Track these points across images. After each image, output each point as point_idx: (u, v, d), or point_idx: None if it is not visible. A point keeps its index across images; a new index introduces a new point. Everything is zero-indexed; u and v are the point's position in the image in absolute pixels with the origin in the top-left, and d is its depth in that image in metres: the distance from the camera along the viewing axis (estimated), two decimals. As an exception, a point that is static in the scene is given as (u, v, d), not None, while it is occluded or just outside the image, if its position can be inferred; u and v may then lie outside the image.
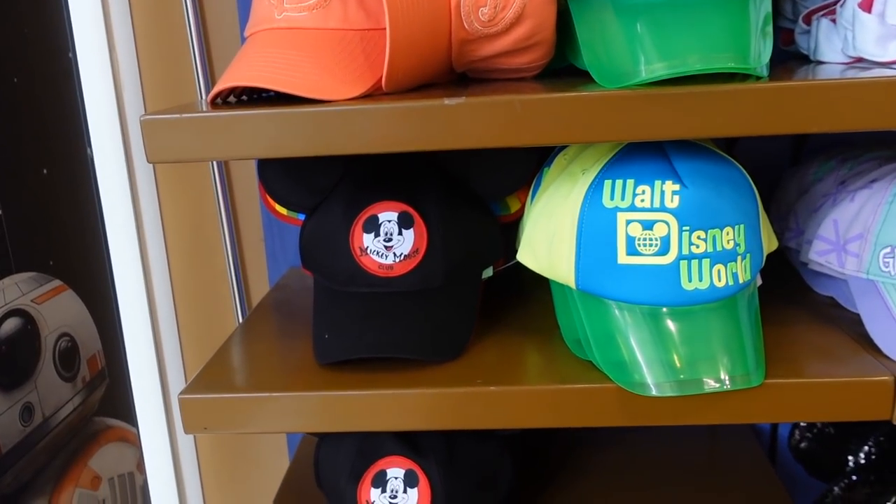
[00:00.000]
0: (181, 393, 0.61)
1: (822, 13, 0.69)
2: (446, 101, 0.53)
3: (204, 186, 0.98)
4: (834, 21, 0.67)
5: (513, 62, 0.63)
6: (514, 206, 0.75)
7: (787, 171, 0.85)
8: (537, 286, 0.80)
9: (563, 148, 0.69)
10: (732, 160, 0.60)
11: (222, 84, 0.57)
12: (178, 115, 0.55)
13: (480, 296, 0.71)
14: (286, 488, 0.87)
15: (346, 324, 0.64)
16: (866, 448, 0.80)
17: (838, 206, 0.69)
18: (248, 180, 0.98)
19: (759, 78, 0.54)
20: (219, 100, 0.59)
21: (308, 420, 0.61)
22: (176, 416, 1.05)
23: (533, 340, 0.67)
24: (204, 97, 0.90)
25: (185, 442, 1.06)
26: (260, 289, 1.02)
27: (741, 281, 0.59)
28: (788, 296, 0.74)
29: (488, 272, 0.73)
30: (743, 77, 0.54)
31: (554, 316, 0.70)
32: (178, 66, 0.94)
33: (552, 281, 0.68)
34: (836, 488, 0.80)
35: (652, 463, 0.89)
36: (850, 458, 0.81)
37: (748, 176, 0.60)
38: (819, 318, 0.69)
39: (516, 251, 0.75)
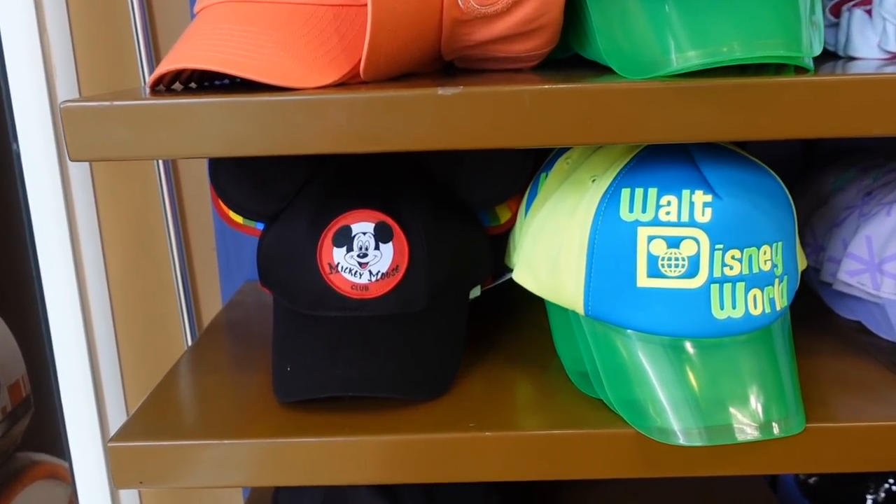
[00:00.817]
0: (111, 440, 0.51)
1: (853, 4, 0.62)
2: (440, 91, 0.44)
3: (148, 188, 0.87)
4: (869, 13, 0.59)
5: (511, 49, 0.54)
6: (504, 216, 0.66)
7: (799, 180, 0.77)
8: (529, 307, 0.71)
9: (563, 150, 0.60)
10: (766, 167, 0.52)
11: (165, 66, 0.46)
12: (107, 103, 0.44)
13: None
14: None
15: (311, 355, 0.54)
16: (886, 485, 0.73)
17: (871, 222, 0.61)
18: (198, 181, 0.87)
19: (806, 71, 0.46)
20: (161, 86, 0.49)
21: (265, 472, 0.51)
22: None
23: (529, 373, 0.58)
24: (147, 71, 0.79)
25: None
26: (211, 305, 0.91)
27: (778, 308, 0.51)
28: (807, 320, 0.66)
29: (476, 292, 0.64)
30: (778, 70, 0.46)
31: (551, 343, 0.61)
32: (120, 48, 0.83)
33: (550, 305, 0.59)
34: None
35: (646, 492, 0.80)
36: (869, 496, 0.74)
37: (784, 186, 0.52)
38: (848, 346, 0.62)
39: (506, 266, 0.66)
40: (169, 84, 0.49)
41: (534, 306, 0.72)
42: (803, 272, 0.70)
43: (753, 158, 0.52)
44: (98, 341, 0.90)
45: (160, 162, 0.83)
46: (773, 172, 0.52)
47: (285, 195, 0.61)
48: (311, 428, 0.51)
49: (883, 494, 0.73)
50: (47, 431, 0.85)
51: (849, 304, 0.66)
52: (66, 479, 0.88)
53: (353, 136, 0.44)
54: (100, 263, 0.89)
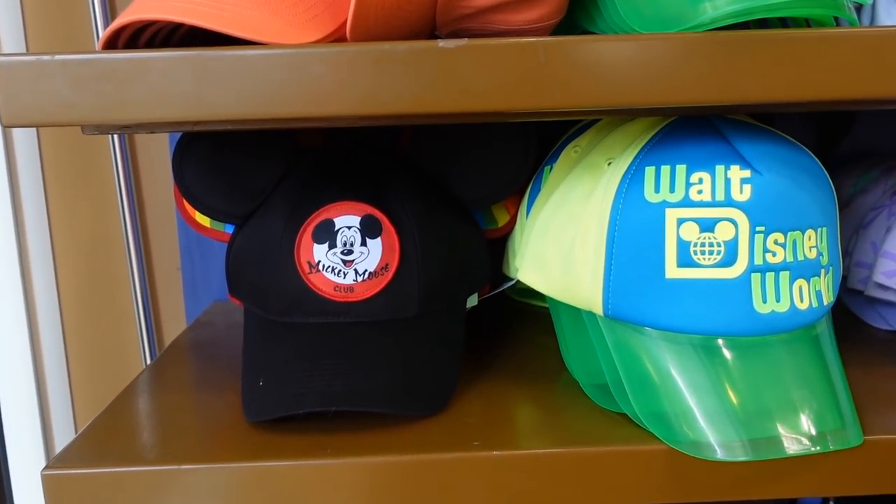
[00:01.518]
0: (46, 468, 0.42)
1: (877, -16, 0.57)
2: (441, 44, 0.38)
3: (106, 199, 0.80)
4: (896, -9, 0.55)
5: (512, 20, 0.48)
6: (501, 219, 0.59)
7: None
8: (528, 322, 0.65)
9: (570, 139, 0.54)
10: (803, 146, 0.46)
11: (120, 20, 0.40)
12: (47, 57, 0.37)
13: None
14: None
15: (287, 366, 0.47)
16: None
17: (907, 217, 0.56)
18: (162, 194, 0.79)
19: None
20: (118, 45, 0.42)
21: (230, 503, 0.43)
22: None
23: (537, 389, 0.51)
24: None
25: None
26: (174, 330, 0.83)
27: (825, 302, 0.44)
28: (836, 333, 0.60)
29: (473, 300, 0.57)
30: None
31: (558, 358, 0.54)
32: (72, 11, 0.76)
33: (560, 309, 0.52)
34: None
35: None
36: None
37: (824, 168, 0.46)
38: (889, 357, 0.55)
39: (504, 275, 0.59)
40: (128, 42, 0.42)
41: (534, 321, 0.65)
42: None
43: (789, 138, 0.46)
44: (48, 375, 0.81)
45: (121, 172, 0.76)
46: (810, 152, 0.46)
47: (259, 193, 0.54)
48: (288, 450, 0.43)
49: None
50: (-14, 474, 0.76)
51: (883, 312, 0.60)
52: (6, 529, 0.78)
53: (339, 97, 0.38)
54: (51, 285, 0.81)
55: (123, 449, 0.44)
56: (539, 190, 0.54)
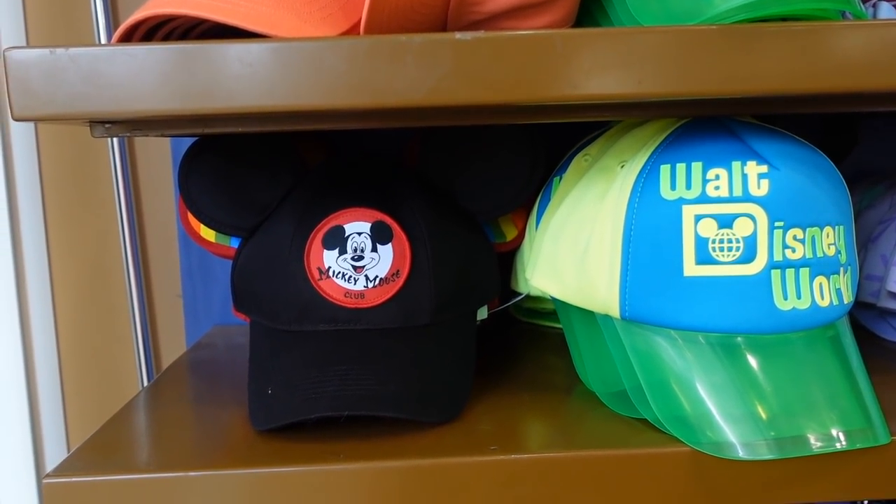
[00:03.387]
0: (47, 476, 0.41)
1: (877, -1, 0.58)
2: (458, 36, 0.38)
3: (107, 223, 0.79)
4: (897, 4, 0.56)
5: (523, 26, 0.48)
6: (510, 234, 0.59)
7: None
8: (535, 342, 0.64)
9: (579, 148, 0.54)
10: (817, 148, 0.46)
11: (138, 15, 0.40)
12: (60, 50, 0.37)
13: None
14: None
15: (296, 374, 0.46)
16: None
17: (918, 226, 0.56)
18: (163, 218, 0.79)
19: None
20: (134, 41, 0.42)
21: (241, 512, 0.41)
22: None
23: (552, 398, 0.50)
24: (104, 35, 0.71)
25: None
26: (174, 356, 0.81)
27: (845, 301, 0.44)
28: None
29: (483, 313, 0.56)
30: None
31: (570, 369, 0.53)
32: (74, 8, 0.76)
33: (572, 319, 0.51)
34: None
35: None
36: None
37: (837, 169, 0.46)
38: (905, 366, 0.54)
39: (511, 290, 0.59)
40: (144, 39, 0.42)
41: (542, 341, 0.64)
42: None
43: (799, 138, 0.46)
44: (42, 408, 0.79)
45: (122, 198, 0.75)
46: (822, 153, 0.46)
47: (265, 206, 0.54)
48: (298, 456, 0.42)
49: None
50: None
51: (895, 323, 0.59)
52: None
53: (355, 89, 0.38)
54: (48, 311, 0.79)
55: (125, 458, 0.43)
56: (549, 201, 0.53)
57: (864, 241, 0.62)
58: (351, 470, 0.41)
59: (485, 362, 0.57)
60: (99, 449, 0.44)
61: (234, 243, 0.57)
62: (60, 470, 0.41)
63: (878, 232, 0.61)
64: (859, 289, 0.61)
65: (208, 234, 0.57)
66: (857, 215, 0.65)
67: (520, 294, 0.57)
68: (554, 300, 0.53)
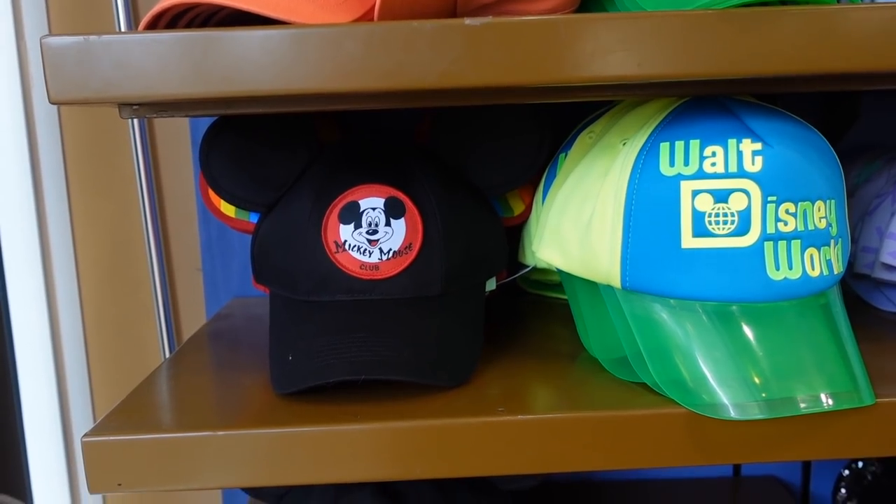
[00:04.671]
0: (85, 435, 0.44)
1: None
2: (467, 22, 0.40)
3: (128, 200, 0.82)
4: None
5: (529, 10, 0.50)
6: (517, 208, 0.61)
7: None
8: (541, 313, 0.66)
9: (584, 126, 0.56)
10: (811, 125, 0.48)
11: (163, 4, 0.42)
12: (93, 38, 0.40)
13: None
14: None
15: (316, 341, 0.48)
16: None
17: (912, 199, 0.58)
18: (183, 195, 0.81)
19: None
20: (158, 28, 0.44)
21: (262, 468, 0.44)
22: (83, 490, 0.84)
23: (557, 364, 0.52)
24: (123, 25, 0.73)
25: (94, 523, 0.85)
26: (194, 329, 0.84)
27: (835, 272, 0.46)
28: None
29: (491, 284, 0.58)
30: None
31: (575, 338, 0.56)
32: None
33: (576, 288, 0.54)
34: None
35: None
36: None
37: (830, 146, 0.48)
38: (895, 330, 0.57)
39: (519, 262, 0.61)
40: (168, 25, 0.44)
41: (549, 313, 0.66)
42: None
43: (795, 116, 0.48)
44: (68, 375, 0.83)
45: (143, 174, 0.78)
46: (817, 130, 0.48)
47: (284, 182, 0.56)
48: (316, 417, 0.45)
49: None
50: (7, 472, 0.77)
51: (889, 294, 0.62)
52: (28, 526, 0.79)
53: (370, 72, 0.40)
54: (73, 286, 0.83)
55: (154, 419, 0.46)
56: (555, 176, 0.56)
57: (862, 214, 0.64)
58: (367, 430, 0.44)
59: (493, 331, 0.60)
60: (130, 412, 0.47)
61: (253, 218, 0.59)
62: (97, 430, 0.44)
63: (875, 205, 0.63)
64: (855, 260, 0.63)
65: (228, 209, 0.60)
66: (855, 189, 0.67)
67: (527, 266, 0.59)
68: (559, 271, 0.55)
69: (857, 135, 0.75)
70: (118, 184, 0.81)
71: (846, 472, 0.74)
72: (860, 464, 0.74)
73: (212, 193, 0.60)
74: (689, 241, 0.44)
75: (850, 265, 0.64)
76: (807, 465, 0.80)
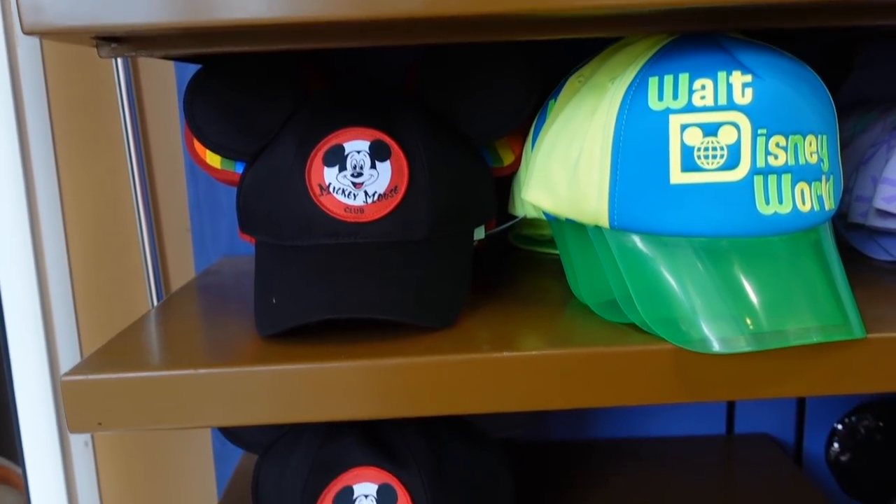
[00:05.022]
0: (65, 375, 0.43)
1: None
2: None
3: (116, 161, 0.81)
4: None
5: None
6: (507, 158, 0.60)
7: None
8: (531, 267, 0.66)
9: (573, 72, 0.55)
10: (802, 61, 0.47)
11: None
12: None
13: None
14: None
15: (299, 283, 0.48)
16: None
17: (906, 143, 0.57)
18: (171, 154, 0.81)
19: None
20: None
21: (246, 406, 0.43)
22: (76, 452, 0.84)
23: (546, 308, 0.52)
24: None
25: (86, 482, 0.85)
26: (184, 290, 0.83)
27: (827, 208, 0.45)
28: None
29: (479, 233, 0.58)
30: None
31: (565, 286, 0.55)
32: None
33: (566, 234, 0.53)
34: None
35: (661, 479, 0.73)
36: None
37: (822, 82, 0.47)
38: (891, 279, 0.56)
39: (509, 214, 0.60)
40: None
41: (539, 267, 0.66)
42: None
43: (786, 52, 0.47)
44: (58, 334, 0.82)
45: (129, 129, 0.77)
46: (808, 66, 0.47)
47: (269, 130, 0.55)
48: (301, 356, 0.44)
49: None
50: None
51: (883, 243, 0.61)
52: (19, 486, 0.78)
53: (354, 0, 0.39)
54: (62, 249, 0.82)
55: (137, 359, 0.45)
56: (543, 122, 0.55)
57: (857, 164, 0.64)
58: (352, 367, 0.43)
59: (483, 283, 0.59)
60: (111, 353, 0.46)
61: (239, 168, 0.59)
62: (76, 370, 0.43)
63: (870, 154, 0.62)
64: (850, 210, 0.63)
65: (214, 160, 0.59)
66: (851, 140, 0.67)
67: (516, 217, 0.59)
68: (549, 221, 0.55)
69: (852, 88, 0.74)
70: (105, 144, 0.80)
71: (839, 426, 0.74)
72: (853, 418, 0.73)
73: (197, 144, 0.59)
74: (677, 176, 0.44)
75: (845, 216, 0.64)
76: (800, 422, 0.80)
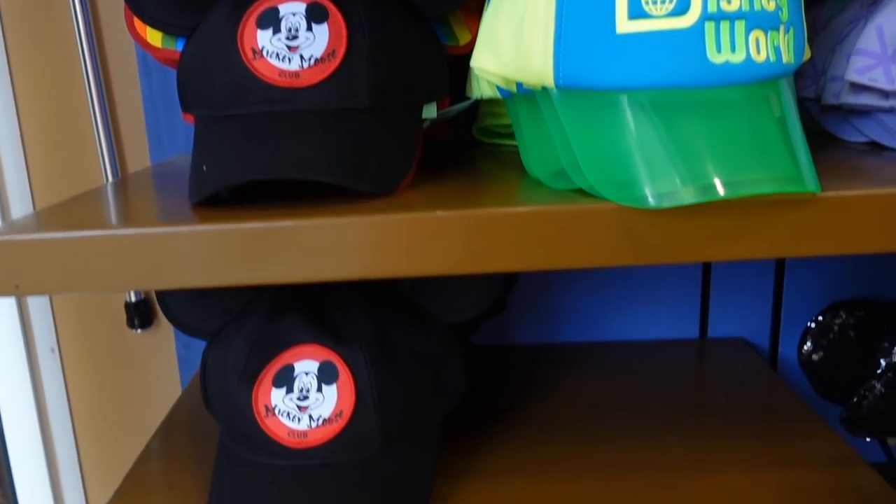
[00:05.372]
0: (-15, 235, 0.41)
1: None
2: None
3: (69, 58, 0.78)
4: None
5: None
6: (462, 37, 0.57)
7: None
8: (493, 160, 0.63)
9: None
10: None
11: None
12: None
13: (421, 139, 0.53)
14: (170, 421, 0.67)
15: (231, 149, 0.45)
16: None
17: (882, 12, 0.54)
18: (124, 50, 0.78)
19: None
20: None
21: (170, 270, 0.41)
22: (42, 358, 0.83)
23: (496, 185, 0.50)
24: None
25: (53, 389, 0.84)
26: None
27: (784, 60, 0.43)
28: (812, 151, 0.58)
29: (431, 111, 0.55)
30: None
31: (519, 172, 0.53)
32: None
33: (518, 107, 0.51)
34: (877, 385, 0.64)
35: (632, 384, 0.72)
36: (877, 382, 0.65)
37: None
38: (860, 155, 0.54)
39: (467, 96, 0.58)
40: None
41: (501, 160, 0.63)
42: (801, 109, 0.62)
43: None
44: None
45: (81, 28, 0.74)
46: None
47: (207, 2, 0.52)
48: (226, 218, 0.42)
49: (892, 374, 0.64)
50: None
51: (856, 123, 0.58)
52: None
53: None
54: (19, 152, 0.80)
55: (63, 223, 0.43)
56: (496, -7, 0.52)
57: (833, 44, 0.61)
58: (294, 228, 0.41)
59: (436, 168, 0.57)
60: (38, 218, 0.44)
61: (180, 46, 0.56)
62: (9, 229, 0.41)
63: (847, 32, 0.59)
64: (824, 92, 0.60)
65: (154, 37, 0.56)
66: (829, 21, 0.63)
67: (470, 99, 0.56)
68: (504, 97, 0.52)
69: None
70: (59, 42, 0.77)
71: (812, 325, 0.72)
72: (827, 316, 0.72)
73: (137, 22, 0.56)
74: (623, 24, 0.41)
75: (819, 98, 0.61)
76: (776, 326, 0.78)
